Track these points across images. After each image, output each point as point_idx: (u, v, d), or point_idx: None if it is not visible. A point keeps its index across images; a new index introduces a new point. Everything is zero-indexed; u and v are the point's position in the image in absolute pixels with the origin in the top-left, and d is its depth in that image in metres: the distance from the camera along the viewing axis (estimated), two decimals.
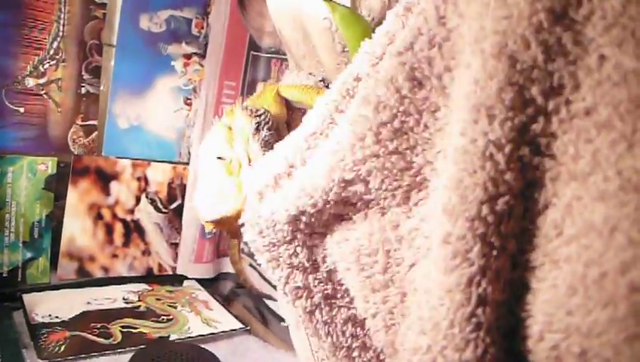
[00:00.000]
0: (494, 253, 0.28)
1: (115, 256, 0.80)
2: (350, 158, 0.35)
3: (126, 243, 0.81)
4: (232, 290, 0.88)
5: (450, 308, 0.28)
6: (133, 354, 0.63)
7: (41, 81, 0.69)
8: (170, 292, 0.82)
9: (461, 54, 0.32)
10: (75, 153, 0.73)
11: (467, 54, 0.31)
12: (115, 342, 0.65)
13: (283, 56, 0.82)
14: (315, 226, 0.38)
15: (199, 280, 0.88)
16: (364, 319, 0.37)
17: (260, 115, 0.47)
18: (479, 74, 0.29)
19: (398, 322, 0.34)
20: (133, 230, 0.81)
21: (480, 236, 0.28)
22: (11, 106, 0.68)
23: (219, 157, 0.44)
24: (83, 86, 0.72)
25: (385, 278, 0.35)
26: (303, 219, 0.37)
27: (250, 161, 0.45)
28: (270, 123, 0.47)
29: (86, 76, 0.72)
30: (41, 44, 0.68)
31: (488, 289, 0.28)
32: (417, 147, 0.34)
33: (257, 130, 0.45)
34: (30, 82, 0.68)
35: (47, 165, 0.72)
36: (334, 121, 0.37)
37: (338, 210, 0.37)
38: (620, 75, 0.25)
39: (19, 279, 0.73)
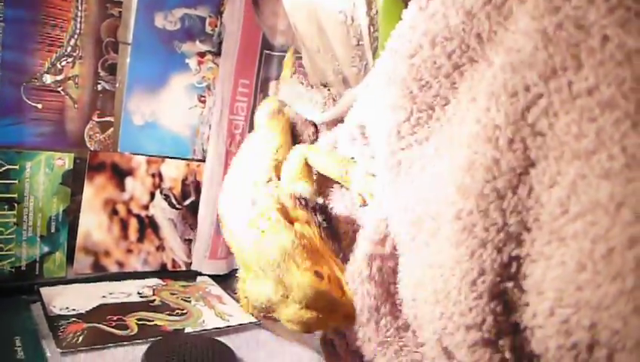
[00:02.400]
0: (495, 227, 0.29)
1: (129, 251, 0.81)
2: (384, 151, 0.38)
3: (140, 238, 0.82)
4: None
5: (459, 278, 0.30)
6: (149, 345, 0.64)
7: (59, 77, 0.70)
8: (184, 287, 0.83)
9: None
10: (92, 149, 0.75)
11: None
12: (132, 334, 0.66)
13: (296, 54, 0.83)
14: None
15: (212, 277, 0.89)
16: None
17: (311, 208, 0.46)
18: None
19: (417, 297, 0.35)
20: (148, 226, 0.82)
21: (483, 212, 0.29)
22: (29, 102, 0.69)
23: (316, 272, 0.41)
24: (99, 83, 0.74)
25: (416, 259, 0.37)
26: None
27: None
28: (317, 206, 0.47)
29: (102, 73, 0.73)
30: (58, 41, 0.69)
31: (488, 261, 0.29)
32: (431, 137, 0.36)
33: (318, 226, 0.45)
34: (48, 79, 0.70)
35: (64, 160, 0.73)
36: None
37: None
38: (623, 54, 0.26)
39: (36, 273, 0.74)
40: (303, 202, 0.46)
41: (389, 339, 0.40)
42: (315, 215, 0.46)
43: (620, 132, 0.26)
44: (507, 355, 0.29)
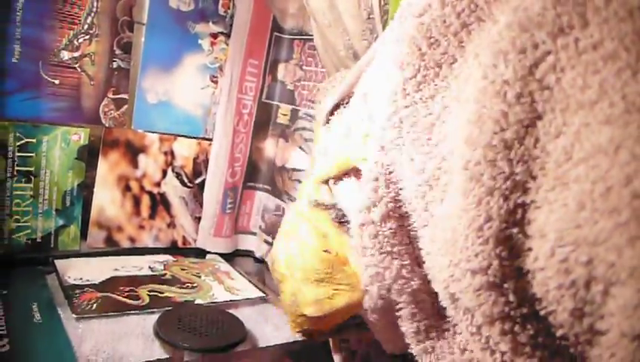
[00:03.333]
0: (502, 176, 0.30)
1: (141, 227, 0.83)
2: (386, 110, 0.39)
3: (152, 215, 0.84)
4: (249, 266, 0.91)
5: (466, 225, 0.31)
6: (160, 314, 0.66)
7: (76, 54, 0.72)
8: (194, 263, 0.85)
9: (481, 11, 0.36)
10: (106, 125, 0.77)
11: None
12: (143, 304, 0.68)
13: (306, 37, 0.85)
14: None
15: (221, 255, 0.90)
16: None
17: (331, 208, 0.49)
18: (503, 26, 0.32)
19: (430, 250, 0.37)
20: (160, 203, 0.84)
21: (490, 161, 0.31)
22: (47, 78, 0.71)
23: (326, 251, 0.45)
24: (115, 61, 0.75)
25: (426, 216, 0.38)
26: None
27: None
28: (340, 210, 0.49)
29: (117, 51, 0.75)
30: (75, 18, 0.71)
31: (495, 208, 0.30)
32: (437, 95, 0.38)
33: (340, 222, 0.47)
34: (65, 55, 0.71)
35: (80, 135, 0.75)
36: None
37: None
38: (625, 10, 0.28)
39: (51, 245, 0.76)
40: (322, 205, 0.49)
41: (402, 307, 0.41)
42: (332, 209, 0.49)
43: (621, 81, 0.27)
44: (511, 298, 0.31)
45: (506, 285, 0.31)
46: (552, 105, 0.30)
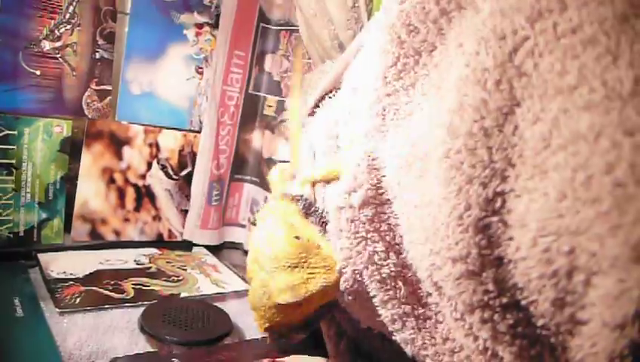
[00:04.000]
0: (482, 164, 0.30)
1: (126, 220, 0.82)
2: (369, 98, 0.39)
3: (137, 208, 0.83)
4: (238, 258, 0.91)
5: (447, 214, 0.31)
6: (145, 307, 0.65)
7: (57, 44, 0.71)
8: (180, 256, 0.84)
9: None
10: (90, 117, 0.76)
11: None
12: (128, 297, 0.68)
13: (292, 27, 0.84)
14: None
15: (207, 248, 0.90)
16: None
17: (299, 200, 0.48)
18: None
19: (412, 239, 0.36)
20: (145, 195, 0.83)
21: (470, 150, 0.30)
22: (28, 68, 0.70)
23: (296, 237, 0.44)
24: (97, 51, 0.74)
25: (401, 203, 0.38)
26: None
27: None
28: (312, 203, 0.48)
29: (100, 42, 0.74)
30: (56, 7, 0.70)
31: (474, 196, 0.30)
32: (417, 83, 0.37)
33: (307, 212, 0.47)
34: (46, 45, 0.70)
35: (63, 127, 0.74)
36: None
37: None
38: None
39: (34, 239, 0.75)
40: (289, 196, 0.49)
41: (374, 293, 0.41)
42: (299, 201, 0.48)
43: (600, 66, 0.27)
44: (490, 287, 0.30)
45: (485, 274, 0.30)
46: (530, 91, 0.29)
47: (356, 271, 0.42)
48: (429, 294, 0.38)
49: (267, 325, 0.46)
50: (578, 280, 0.27)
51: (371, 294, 0.41)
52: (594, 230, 0.25)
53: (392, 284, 0.40)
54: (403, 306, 0.41)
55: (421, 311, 0.40)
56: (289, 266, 0.43)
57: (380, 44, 0.39)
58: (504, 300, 0.30)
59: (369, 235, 0.40)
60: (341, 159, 0.47)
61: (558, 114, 0.28)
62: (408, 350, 0.41)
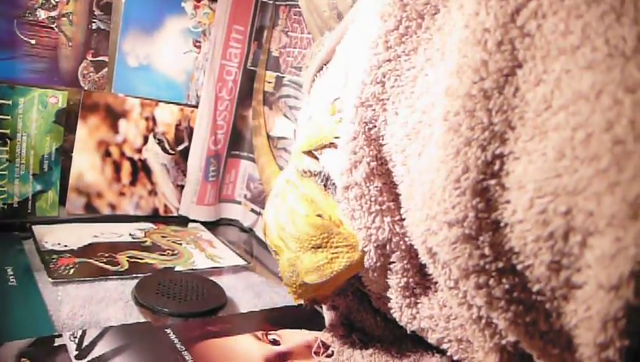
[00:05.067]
0: (480, 126, 0.29)
1: (122, 194, 0.82)
2: (367, 64, 0.38)
3: (133, 182, 0.83)
4: (234, 235, 0.90)
5: (444, 177, 0.30)
6: (139, 280, 0.65)
7: (53, 13, 0.70)
8: (176, 231, 0.84)
9: None
10: (85, 88, 0.75)
11: None
12: (122, 269, 0.67)
13: (291, 2, 0.83)
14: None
15: (203, 224, 0.89)
16: None
17: (317, 175, 0.49)
18: None
19: (408, 206, 0.36)
20: (141, 169, 0.83)
21: (469, 111, 0.30)
22: (23, 37, 0.69)
23: (318, 215, 0.45)
24: (94, 21, 0.73)
25: (403, 171, 0.37)
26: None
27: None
28: (327, 176, 0.48)
29: (97, 12, 0.73)
30: None
31: (472, 158, 0.30)
32: (419, 48, 0.36)
33: (326, 186, 0.48)
34: (42, 14, 0.69)
35: (58, 98, 0.73)
36: None
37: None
38: None
39: (29, 211, 0.75)
40: (308, 172, 0.50)
41: (395, 261, 0.41)
42: (317, 176, 0.48)
43: (604, 25, 0.26)
44: (486, 251, 0.30)
45: (481, 238, 0.30)
46: (533, 52, 0.29)
47: (379, 248, 0.41)
48: (426, 265, 0.38)
49: (300, 299, 0.47)
50: (574, 241, 0.26)
51: (392, 261, 0.41)
52: (592, 188, 0.25)
53: (414, 253, 0.40)
54: (415, 276, 0.41)
55: (423, 280, 0.40)
56: (312, 247, 0.43)
57: (379, 8, 0.39)
58: (500, 264, 0.30)
59: (384, 206, 0.40)
60: (324, 127, 0.47)
61: (560, 74, 0.27)
62: (406, 313, 0.41)
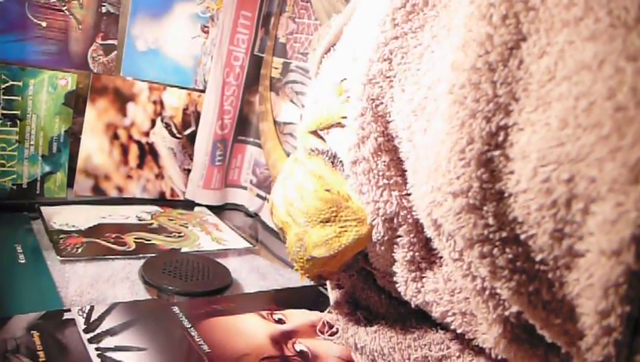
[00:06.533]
0: (485, 98, 0.30)
1: (129, 176, 0.83)
2: (374, 42, 0.39)
3: (140, 165, 0.83)
4: (239, 219, 0.91)
5: (449, 148, 0.31)
6: (145, 260, 0.66)
7: None
8: (182, 214, 0.85)
9: None
10: (95, 71, 0.76)
11: None
12: (129, 250, 0.68)
13: None
14: None
15: (209, 208, 0.90)
16: None
17: (325, 153, 0.49)
18: None
19: (414, 182, 0.37)
20: (148, 152, 0.84)
21: (474, 84, 0.30)
22: (34, 19, 0.70)
23: (327, 190, 0.45)
24: (104, 5, 0.74)
25: (409, 147, 0.38)
26: None
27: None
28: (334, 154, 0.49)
29: None
30: None
31: (477, 129, 0.30)
32: (426, 25, 0.37)
33: (333, 163, 0.48)
34: None
35: (67, 80, 0.74)
36: None
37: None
38: None
39: (37, 192, 0.76)
40: (315, 150, 0.50)
41: (402, 235, 0.41)
42: (325, 154, 0.49)
43: None
44: (490, 221, 0.31)
45: (485, 208, 0.31)
46: (537, 25, 0.29)
47: (387, 221, 0.42)
48: (431, 238, 0.38)
49: (306, 275, 0.47)
50: (577, 208, 0.27)
51: (398, 235, 0.42)
52: (594, 155, 0.25)
53: (421, 227, 0.41)
54: (422, 250, 0.41)
55: (429, 254, 0.41)
56: (321, 221, 0.44)
57: None
58: (504, 234, 0.31)
59: (391, 181, 0.41)
60: (330, 107, 0.48)
61: (564, 46, 0.28)
62: (411, 287, 0.42)
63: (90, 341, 0.46)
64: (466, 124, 0.31)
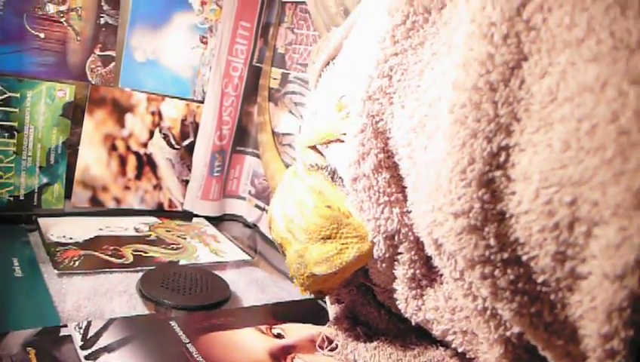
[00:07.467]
0: (486, 118, 0.30)
1: (127, 187, 0.82)
2: (374, 58, 0.39)
3: (138, 176, 0.83)
4: (238, 230, 0.91)
5: (450, 168, 0.31)
6: (143, 273, 0.65)
7: (62, 8, 0.71)
8: (180, 226, 0.84)
9: None
10: (93, 82, 0.75)
11: None
12: (127, 262, 0.68)
13: (298, 0, 0.83)
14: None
15: (207, 219, 0.90)
16: None
17: (324, 168, 0.49)
18: None
19: (414, 199, 0.36)
20: (146, 163, 0.83)
21: (475, 104, 0.30)
22: (32, 31, 0.69)
23: (327, 206, 0.45)
24: (102, 16, 0.74)
25: (409, 164, 0.38)
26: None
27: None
28: (334, 169, 0.49)
29: (105, 7, 0.74)
30: None
31: (478, 150, 0.30)
32: (426, 42, 0.37)
33: (333, 179, 0.48)
34: (51, 8, 0.70)
35: (65, 92, 0.74)
36: None
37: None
38: None
39: (34, 203, 0.75)
40: (315, 166, 0.50)
41: (403, 252, 0.41)
42: (325, 169, 0.49)
43: (609, 18, 0.27)
44: (492, 242, 0.30)
45: (487, 228, 0.30)
46: (539, 45, 0.29)
47: (388, 237, 0.42)
48: (432, 257, 0.38)
49: (307, 291, 0.46)
50: (579, 231, 0.27)
51: (399, 252, 0.41)
52: (597, 178, 0.25)
53: (422, 245, 0.40)
54: (422, 267, 0.41)
55: (430, 272, 0.40)
56: (322, 238, 0.43)
57: (386, 3, 0.39)
58: (505, 255, 0.30)
59: (392, 198, 0.40)
60: (330, 124, 0.47)
61: (565, 67, 0.28)
62: (412, 305, 0.41)
63: (86, 358, 0.46)
64: (467, 143, 0.30)
